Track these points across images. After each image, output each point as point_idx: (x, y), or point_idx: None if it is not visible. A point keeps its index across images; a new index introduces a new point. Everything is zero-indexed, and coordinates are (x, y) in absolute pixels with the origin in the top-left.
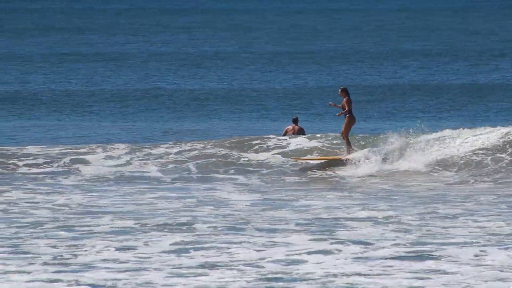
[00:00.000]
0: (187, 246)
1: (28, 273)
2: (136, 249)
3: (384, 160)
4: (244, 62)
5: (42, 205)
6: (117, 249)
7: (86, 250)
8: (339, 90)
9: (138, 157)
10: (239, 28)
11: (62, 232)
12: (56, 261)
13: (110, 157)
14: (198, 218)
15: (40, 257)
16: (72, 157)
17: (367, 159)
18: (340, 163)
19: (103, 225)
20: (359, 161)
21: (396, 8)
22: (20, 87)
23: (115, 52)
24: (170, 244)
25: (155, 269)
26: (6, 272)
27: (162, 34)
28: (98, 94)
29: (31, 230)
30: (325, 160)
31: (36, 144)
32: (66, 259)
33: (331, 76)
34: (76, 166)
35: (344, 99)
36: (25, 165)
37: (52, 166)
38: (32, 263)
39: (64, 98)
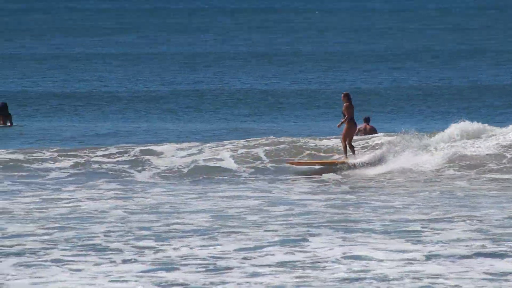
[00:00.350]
0: (264, 244)
1: (110, 273)
2: (215, 248)
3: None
4: (318, 61)
5: (120, 204)
6: (196, 248)
7: (165, 250)
8: (342, 95)
9: (213, 154)
10: (313, 27)
11: (143, 232)
12: (136, 261)
13: (185, 154)
14: (274, 216)
15: (121, 255)
16: (149, 154)
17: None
18: (336, 167)
19: (181, 224)
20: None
21: (474, 6)
22: (98, 86)
23: (189, 51)
24: (248, 243)
25: (235, 267)
26: (88, 272)
27: (237, 33)
28: (175, 93)
29: (111, 230)
30: (320, 165)
31: (113, 142)
32: (146, 257)
33: (405, 75)
34: (153, 164)
35: (345, 104)
36: (102, 163)
37: (128, 164)
38: (113, 261)
39: (141, 97)
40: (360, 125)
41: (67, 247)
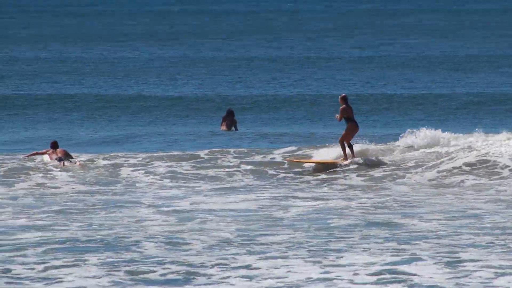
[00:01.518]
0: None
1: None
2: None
3: None
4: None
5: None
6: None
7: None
8: (339, 98)
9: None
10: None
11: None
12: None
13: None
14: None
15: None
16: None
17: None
18: (334, 166)
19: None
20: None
21: None
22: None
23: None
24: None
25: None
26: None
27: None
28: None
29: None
30: (320, 163)
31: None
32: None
33: None
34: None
35: (340, 108)
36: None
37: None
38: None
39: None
40: None
41: (281, 247)
